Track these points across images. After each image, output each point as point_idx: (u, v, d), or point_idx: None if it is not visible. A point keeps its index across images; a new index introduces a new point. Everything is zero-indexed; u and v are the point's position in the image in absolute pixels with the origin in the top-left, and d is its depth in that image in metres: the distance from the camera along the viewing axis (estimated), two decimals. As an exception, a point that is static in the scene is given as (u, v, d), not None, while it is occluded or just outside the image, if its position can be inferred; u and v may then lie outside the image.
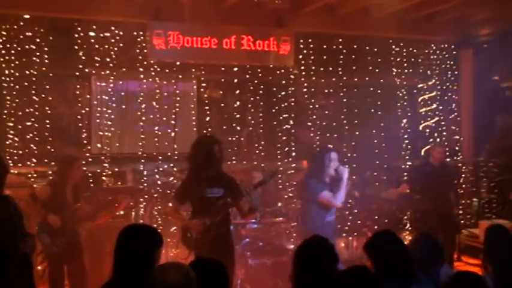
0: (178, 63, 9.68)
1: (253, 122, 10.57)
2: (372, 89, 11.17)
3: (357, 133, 10.87)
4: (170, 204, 6.89)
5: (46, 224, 6.70)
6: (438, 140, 11.16)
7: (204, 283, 3.20)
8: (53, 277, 6.88)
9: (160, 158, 9.75)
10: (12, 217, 2.63)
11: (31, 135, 9.13)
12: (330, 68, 10.77)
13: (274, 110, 10.60)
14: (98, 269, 7.46)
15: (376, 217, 10.04)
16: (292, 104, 10.59)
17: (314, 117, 10.68)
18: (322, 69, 10.68)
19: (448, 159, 10.06)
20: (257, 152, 10.47)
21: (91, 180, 9.21)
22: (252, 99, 10.50)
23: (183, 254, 6.23)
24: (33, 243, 4.31)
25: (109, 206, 7.44)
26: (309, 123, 10.62)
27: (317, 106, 10.77)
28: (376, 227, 9.28)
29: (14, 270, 2.56)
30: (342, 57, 10.79)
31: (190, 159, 6.24)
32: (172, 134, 9.89)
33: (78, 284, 7.03)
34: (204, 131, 10.03)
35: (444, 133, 11.39)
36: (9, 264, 2.56)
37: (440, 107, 11.44)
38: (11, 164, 8.64)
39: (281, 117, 10.57)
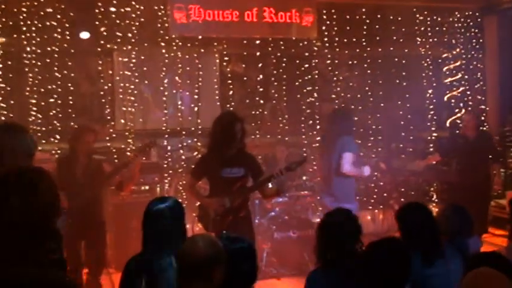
0: (200, 37, 9.61)
1: (276, 95, 10.52)
2: (396, 59, 10.99)
3: (382, 105, 10.75)
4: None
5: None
6: (464, 110, 11.01)
7: (231, 258, 3.17)
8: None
9: (184, 133, 9.74)
10: (53, 189, 2.57)
11: (54, 111, 9.14)
12: (354, 39, 10.61)
13: (297, 83, 10.49)
14: (123, 245, 7.48)
15: (403, 189, 10.00)
16: (316, 76, 10.46)
17: (338, 89, 10.56)
18: (345, 40, 10.53)
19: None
20: (281, 125, 10.39)
21: (115, 156, 9.22)
22: (274, 72, 10.40)
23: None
24: (64, 219, 4.26)
25: (125, 166, 6.91)
26: (333, 96, 10.49)
27: (341, 78, 10.66)
28: (402, 199, 9.23)
29: (48, 247, 2.52)
30: (365, 27, 10.62)
31: (211, 136, 5.99)
32: (196, 109, 9.87)
33: (95, 262, 6.72)
34: (227, 106, 9.96)
35: (470, 103, 11.24)
36: (46, 240, 2.51)
37: (466, 77, 11.28)
38: (35, 141, 8.67)
39: (305, 90, 10.45)
